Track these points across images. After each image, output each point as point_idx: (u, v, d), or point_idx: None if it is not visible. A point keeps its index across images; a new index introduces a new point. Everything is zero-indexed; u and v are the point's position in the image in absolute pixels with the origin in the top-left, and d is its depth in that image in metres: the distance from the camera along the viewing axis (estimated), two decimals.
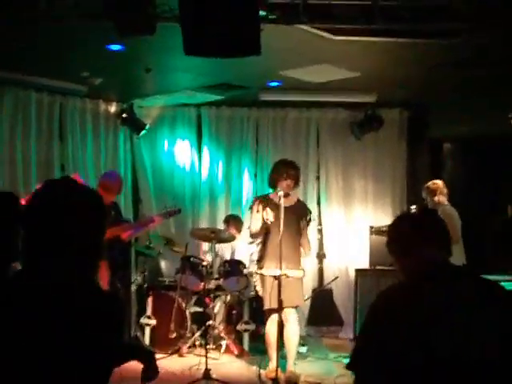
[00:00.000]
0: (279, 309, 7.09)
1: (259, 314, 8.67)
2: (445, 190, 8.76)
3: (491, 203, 12.30)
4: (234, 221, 9.97)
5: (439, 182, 8.83)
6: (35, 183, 9.56)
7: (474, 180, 12.96)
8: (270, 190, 7.65)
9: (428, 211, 3.38)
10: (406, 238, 3.10)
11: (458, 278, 2.95)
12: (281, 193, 7.17)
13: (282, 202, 7.10)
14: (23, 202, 7.26)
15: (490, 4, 6.24)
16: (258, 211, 7.38)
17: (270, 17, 6.25)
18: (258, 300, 8.83)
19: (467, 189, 12.30)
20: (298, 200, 7.87)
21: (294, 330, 7.43)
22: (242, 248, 9.86)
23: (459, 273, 3.06)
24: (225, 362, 8.41)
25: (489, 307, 2.82)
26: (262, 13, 5.98)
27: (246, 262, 9.30)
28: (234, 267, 8.96)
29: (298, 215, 7.49)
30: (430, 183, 8.86)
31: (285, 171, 7.48)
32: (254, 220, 7.46)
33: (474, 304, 2.81)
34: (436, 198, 8.67)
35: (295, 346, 7.51)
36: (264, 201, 7.51)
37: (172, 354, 8.50)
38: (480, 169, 12.89)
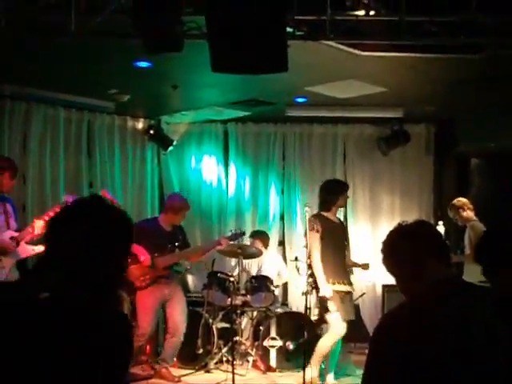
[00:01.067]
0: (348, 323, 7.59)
1: (286, 331, 8.68)
2: (471, 206, 8.71)
3: None
4: (261, 236, 9.97)
5: (463, 199, 8.79)
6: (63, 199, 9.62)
7: (501, 195, 12.85)
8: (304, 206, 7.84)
9: (424, 222, 3.26)
10: (409, 253, 3.03)
11: (469, 296, 2.84)
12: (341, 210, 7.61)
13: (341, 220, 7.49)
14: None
15: None
16: (317, 231, 7.47)
17: (296, 33, 6.27)
18: (286, 316, 8.85)
19: (494, 204, 12.19)
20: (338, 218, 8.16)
21: (340, 343, 7.82)
22: (270, 264, 9.86)
23: (470, 289, 2.93)
24: (251, 378, 8.40)
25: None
26: (288, 29, 6.00)
27: (272, 277, 9.30)
28: (260, 283, 8.96)
29: (346, 232, 7.75)
30: (455, 201, 8.82)
31: (344, 189, 7.88)
32: (315, 240, 7.51)
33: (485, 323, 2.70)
34: (464, 214, 8.62)
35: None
36: (322, 220, 7.60)
37: (199, 369, 8.51)
38: (508, 184, 12.77)
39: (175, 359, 8.48)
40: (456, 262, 8.23)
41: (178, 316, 8.10)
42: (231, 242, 8.61)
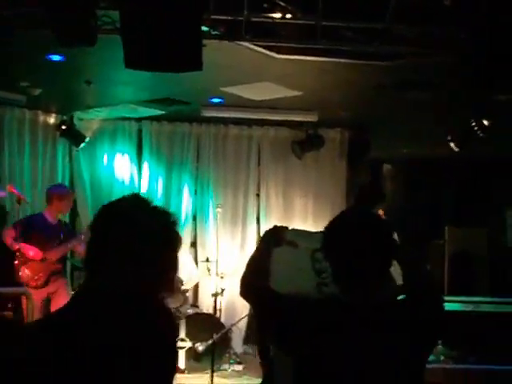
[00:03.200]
0: None
1: (196, 332, 8.63)
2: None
3: (429, 225, 12.42)
4: None
5: None
6: None
7: (412, 201, 13.10)
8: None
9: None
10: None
11: None
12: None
13: None
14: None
15: (433, 30, 6.32)
16: None
17: (212, 32, 6.24)
18: (196, 317, 8.80)
19: (405, 209, 12.42)
20: None
21: None
22: (180, 265, 9.78)
23: None
24: None
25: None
26: (204, 28, 5.96)
27: (183, 278, 9.24)
28: None
29: None
30: None
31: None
32: None
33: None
34: None
35: None
36: None
37: None
38: (419, 190, 13.04)
39: None
40: None
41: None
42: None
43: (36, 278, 7.84)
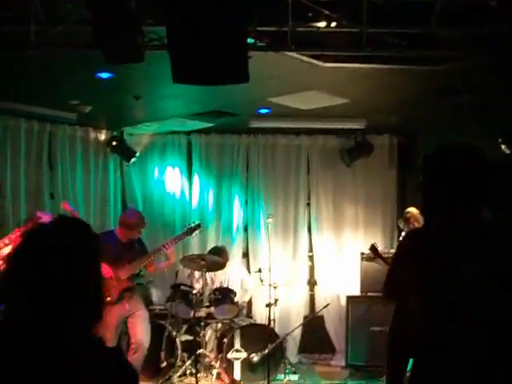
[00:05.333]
0: None
1: (250, 342, 8.64)
2: (420, 218, 8.66)
3: None
4: (217, 253, 9.71)
5: (412, 210, 8.71)
6: (24, 212, 9.52)
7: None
8: None
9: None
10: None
11: None
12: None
13: None
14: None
15: (478, 32, 6.27)
16: None
17: (258, 44, 6.27)
18: (250, 328, 8.82)
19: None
20: None
21: None
22: (233, 276, 9.83)
23: None
24: None
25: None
26: (250, 40, 5.99)
27: (237, 289, 9.27)
28: (224, 295, 8.92)
29: None
30: (405, 212, 8.82)
31: None
32: None
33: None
34: (411, 226, 8.59)
35: None
36: None
37: (162, 383, 8.43)
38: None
39: (139, 372, 8.40)
40: None
41: (141, 332, 7.91)
42: (189, 236, 8.69)
43: (107, 294, 7.76)
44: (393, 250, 2.80)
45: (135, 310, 7.97)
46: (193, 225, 8.71)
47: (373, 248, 8.69)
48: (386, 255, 8.43)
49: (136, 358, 7.96)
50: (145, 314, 8.08)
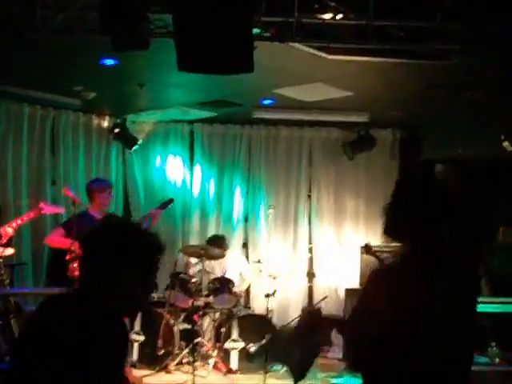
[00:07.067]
0: None
1: (248, 333, 8.65)
2: None
3: (483, 225, 12.28)
4: (216, 242, 9.71)
5: None
6: (25, 197, 9.52)
7: (465, 201, 12.94)
8: None
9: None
10: None
11: None
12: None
13: None
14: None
15: (485, 27, 6.25)
16: None
17: (263, 34, 6.26)
18: (248, 318, 8.84)
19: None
20: None
21: None
22: (233, 265, 9.83)
23: None
24: (212, 380, 8.36)
25: None
26: (255, 30, 5.99)
27: (235, 279, 9.28)
28: (223, 285, 8.92)
29: None
30: None
31: None
32: None
33: None
34: None
35: None
36: None
37: (159, 370, 8.43)
38: (472, 190, 12.88)
39: (135, 359, 8.44)
40: None
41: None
42: (162, 210, 8.86)
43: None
44: (392, 245, 2.81)
45: None
46: (166, 199, 9.04)
47: (367, 247, 8.75)
48: (384, 249, 8.43)
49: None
50: None
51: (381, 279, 3.02)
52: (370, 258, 9.30)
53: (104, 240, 2.70)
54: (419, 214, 3.05)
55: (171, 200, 9.09)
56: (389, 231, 3.14)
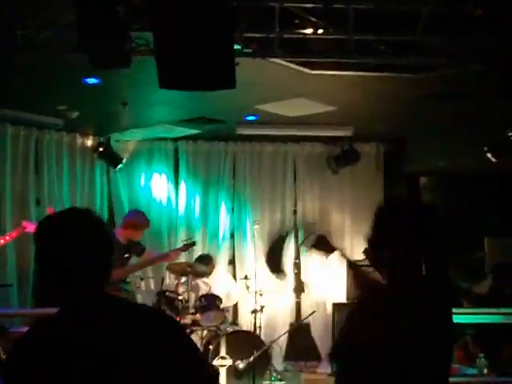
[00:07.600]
0: None
1: (236, 349, 8.62)
2: None
3: (468, 238, 12.31)
4: (202, 261, 9.73)
5: None
6: (10, 217, 9.47)
7: (450, 214, 12.97)
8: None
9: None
10: None
11: None
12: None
13: None
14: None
15: (464, 41, 6.29)
16: None
17: (245, 50, 6.27)
18: (236, 335, 8.80)
19: (443, 223, 12.29)
20: None
21: None
22: (219, 283, 9.81)
23: None
24: None
25: None
26: (237, 46, 5.99)
27: (223, 297, 9.25)
28: (210, 302, 8.89)
29: None
30: None
31: None
32: None
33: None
34: None
35: None
36: None
37: None
38: (457, 203, 12.91)
39: None
40: None
41: None
42: (183, 253, 8.74)
43: None
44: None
45: None
46: (189, 242, 8.90)
47: (351, 265, 8.77)
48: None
49: None
50: None
51: (363, 312, 3.03)
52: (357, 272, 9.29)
53: None
54: (398, 242, 3.08)
55: (194, 243, 9.01)
56: (371, 260, 3.22)
